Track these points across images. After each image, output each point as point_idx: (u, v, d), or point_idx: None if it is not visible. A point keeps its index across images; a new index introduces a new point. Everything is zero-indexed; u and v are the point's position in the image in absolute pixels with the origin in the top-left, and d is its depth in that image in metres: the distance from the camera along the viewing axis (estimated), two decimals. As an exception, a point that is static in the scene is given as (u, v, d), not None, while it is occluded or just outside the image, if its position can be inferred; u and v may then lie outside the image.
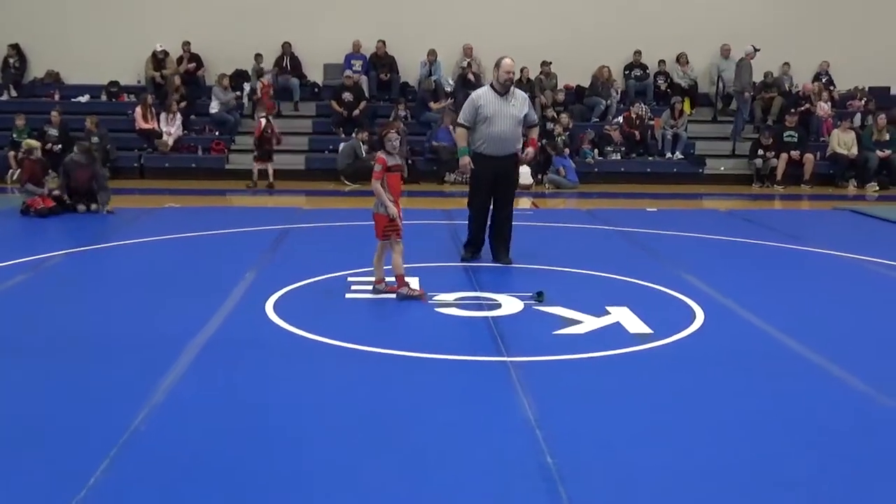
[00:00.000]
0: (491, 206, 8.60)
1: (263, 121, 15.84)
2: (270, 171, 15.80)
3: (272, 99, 18.18)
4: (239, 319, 6.49)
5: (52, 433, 4.33)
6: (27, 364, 5.44)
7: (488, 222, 8.67)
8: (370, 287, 7.37)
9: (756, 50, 18.14)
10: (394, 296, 7.16)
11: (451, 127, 17.05)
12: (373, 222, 7.26)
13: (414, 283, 7.36)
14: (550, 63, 19.02)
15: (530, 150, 8.69)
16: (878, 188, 17.10)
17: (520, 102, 8.39)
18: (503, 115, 8.27)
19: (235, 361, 5.48)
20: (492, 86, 8.42)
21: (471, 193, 8.65)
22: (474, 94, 8.53)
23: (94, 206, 11.92)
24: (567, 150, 16.95)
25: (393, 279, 7.20)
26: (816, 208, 14.85)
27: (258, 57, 18.79)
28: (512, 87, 8.40)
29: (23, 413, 4.62)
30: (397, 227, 7.14)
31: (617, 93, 19.39)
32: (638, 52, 19.62)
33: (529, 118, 8.53)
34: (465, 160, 8.44)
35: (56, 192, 11.85)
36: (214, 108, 18.03)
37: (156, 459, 4.05)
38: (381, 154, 7.16)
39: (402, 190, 7.36)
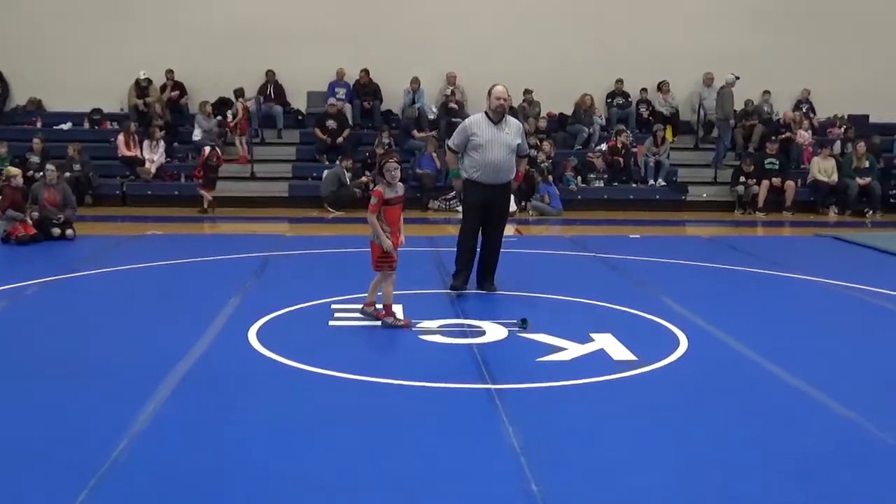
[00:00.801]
0: (480, 234, 8.57)
1: (208, 149, 16.18)
2: (209, 198, 16.01)
3: (248, 122, 18.28)
4: (221, 347, 6.44)
5: (32, 461, 4.27)
6: (6, 391, 5.37)
7: (477, 249, 8.63)
8: (354, 314, 7.34)
9: (736, 78, 18.32)
10: (378, 323, 7.13)
11: (434, 154, 17.13)
12: (370, 250, 7.22)
13: (398, 310, 7.34)
14: (532, 91, 19.14)
15: (513, 185, 8.64)
16: (876, 215, 17.19)
17: (513, 131, 8.36)
18: (497, 142, 8.24)
19: (217, 389, 5.44)
20: (486, 113, 8.41)
21: (463, 220, 8.62)
22: (467, 121, 8.53)
23: (68, 233, 11.90)
24: (550, 177, 17.02)
25: (382, 306, 7.17)
26: (798, 235, 14.95)
27: (239, 90, 18.75)
28: (506, 115, 8.39)
29: (1, 442, 4.55)
30: (391, 260, 7.09)
31: (602, 118, 19.52)
32: (620, 81, 19.78)
33: (521, 148, 8.50)
34: (459, 184, 8.48)
35: (35, 215, 11.80)
36: (197, 135, 18.02)
37: (136, 490, 4.00)
38: (379, 186, 7.11)
39: (401, 219, 7.25)
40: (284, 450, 4.50)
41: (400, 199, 7.17)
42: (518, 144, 8.39)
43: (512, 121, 8.47)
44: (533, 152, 17.49)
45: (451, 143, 8.57)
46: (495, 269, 8.63)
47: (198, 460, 4.34)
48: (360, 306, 7.42)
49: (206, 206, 16.02)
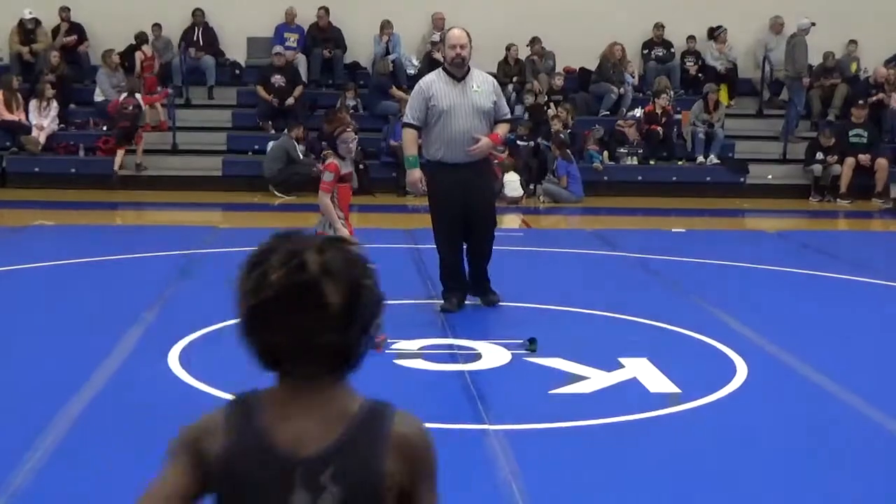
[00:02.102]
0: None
1: (124, 94, 16.76)
2: (118, 160, 16.70)
3: (155, 75, 18.27)
4: (132, 374, 6.43)
5: None
6: None
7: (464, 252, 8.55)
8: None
9: (812, 24, 18.38)
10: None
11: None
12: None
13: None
14: (543, 39, 19.11)
15: (483, 140, 8.20)
16: None
17: (485, 89, 8.28)
18: (463, 106, 8.14)
19: (126, 432, 5.42)
20: (444, 69, 8.35)
21: (434, 219, 8.48)
22: (422, 82, 8.40)
23: None
24: (570, 152, 16.93)
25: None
26: (893, 230, 15.00)
27: (156, 27, 18.73)
28: (471, 70, 8.32)
29: None
30: None
31: (635, 76, 19.53)
32: (660, 26, 19.80)
33: (500, 110, 8.41)
34: (415, 176, 8.25)
35: None
36: (100, 95, 17.93)
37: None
38: (332, 159, 7.15)
39: (351, 204, 7.36)
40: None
41: (350, 176, 7.32)
42: (494, 105, 8.29)
43: (479, 75, 8.42)
44: (545, 114, 17.52)
45: (407, 116, 8.45)
46: (486, 268, 8.53)
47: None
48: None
49: (117, 167, 16.60)
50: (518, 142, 16.84)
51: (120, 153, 16.71)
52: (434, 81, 8.29)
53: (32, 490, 4.62)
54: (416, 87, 8.47)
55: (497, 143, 8.72)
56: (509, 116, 8.77)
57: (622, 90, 19.04)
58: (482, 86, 8.29)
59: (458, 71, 8.23)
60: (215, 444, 1.99)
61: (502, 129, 8.62)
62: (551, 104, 18.16)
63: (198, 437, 2.03)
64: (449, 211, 8.32)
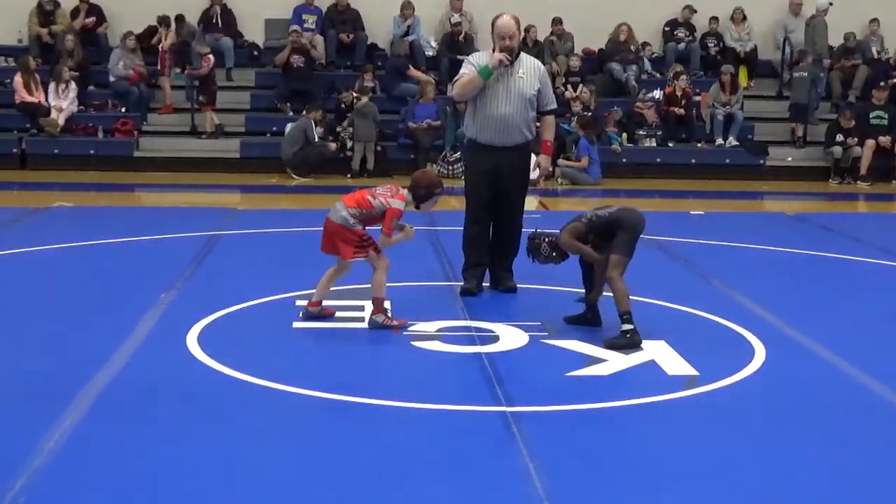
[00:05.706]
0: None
1: (212, 57, 17.38)
2: (215, 118, 17.50)
3: (174, 56, 18.35)
4: (151, 356, 6.44)
5: None
6: None
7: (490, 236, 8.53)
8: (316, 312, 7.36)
9: (829, 4, 18.27)
10: (341, 324, 7.18)
11: (435, 102, 17.09)
12: (324, 232, 7.23)
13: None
14: (563, 21, 19.06)
15: (543, 159, 8.51)
16: None
17: (531, 74, 8.22)
18: (506, 91, 8.11)
19: (145, 413, 5.44)
20: (493, 52, 8.35)
21: (467, 197, 8.52)
22: (472, 57, 8.40)
23: None
24: (591, 132, 16.84)
25: (371, 300, 7.21)
26: (913, 212, 14.95)
27: (164, 18, 18.75)
28: (520, 55, 8.24)
29: None
30: (373, 241, 7.16)
31: (645, 61, 19.39)
32: (689, 8, 19.65)
33: (544, 99, 8.34)
34: (495, 58, 7.98)
35: None
36: (121, 70, 17.85)
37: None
38: (399, 206, 7.11)
39: None
40: (234, 493, 4.51)
41: None
42: (538, 93, 8.25)
43: (528, 60, 8.34)
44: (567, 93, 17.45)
45: (454, 91, 8.47)
46: (512, 259, 8.54)
47: (119, 504, 4.35)
48: (334, 303, 7.45)
49: (210, 129, 17.45)
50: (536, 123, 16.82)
51: (213, 115, 17.67)
52: (482, 60, 8.24)
53: (51, 470, 4.65)
54: (466, 60, 8.43)
55: (551, 153, 8.66)
56: (554, 107, 8.66)
57: (641, 67, 18.95)
58: (528, 72, 8.21)
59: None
60: None
61: (550, 131, 8.53)
62: (569, 86, 18.14)
63: None
64: (481, 189, 8.31)
